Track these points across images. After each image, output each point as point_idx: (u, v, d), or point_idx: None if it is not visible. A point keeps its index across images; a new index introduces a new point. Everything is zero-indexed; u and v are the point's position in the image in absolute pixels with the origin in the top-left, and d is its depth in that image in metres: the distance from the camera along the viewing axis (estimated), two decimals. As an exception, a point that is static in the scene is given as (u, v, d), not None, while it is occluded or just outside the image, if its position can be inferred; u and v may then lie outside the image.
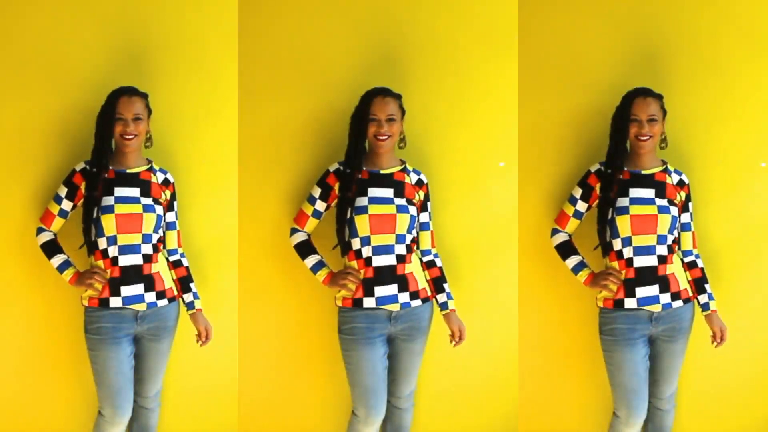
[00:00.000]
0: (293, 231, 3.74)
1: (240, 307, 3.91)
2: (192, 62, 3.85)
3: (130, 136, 3.53)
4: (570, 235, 3.74)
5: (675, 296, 3.62)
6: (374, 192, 3.62)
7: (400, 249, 3.63)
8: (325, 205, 3.68)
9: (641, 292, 3.59)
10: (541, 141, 3.89)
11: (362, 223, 3.58)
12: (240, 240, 3.89)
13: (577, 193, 3.69)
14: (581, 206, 3.69)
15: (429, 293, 3.71)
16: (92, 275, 3.53)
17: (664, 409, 3.78)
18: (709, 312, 3.66)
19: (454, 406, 4.01)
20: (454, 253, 3.94)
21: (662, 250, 3.59)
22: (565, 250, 3.72)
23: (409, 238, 3.65)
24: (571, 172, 3.85)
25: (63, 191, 3.57)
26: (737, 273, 3.90)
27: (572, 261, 3.71)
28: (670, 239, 3.61)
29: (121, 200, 3.54)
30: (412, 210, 3.65)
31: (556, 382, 3.96)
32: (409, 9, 3.90)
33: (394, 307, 3.62)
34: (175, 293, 3.67)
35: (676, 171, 3.65)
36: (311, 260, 3.69)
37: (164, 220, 3.66)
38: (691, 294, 3.66)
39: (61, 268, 3.58)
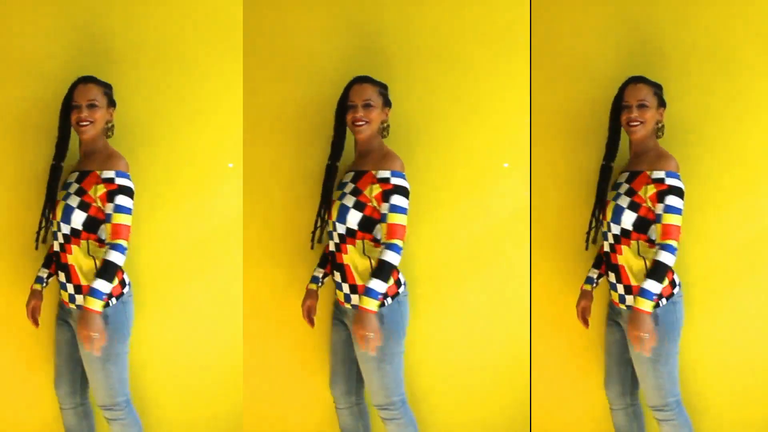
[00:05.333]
0: None
1: (245, 305, 3.93)
2: (194, 62, 3.87)
3: (85, 123, 3.54)
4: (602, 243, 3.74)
5: (627, 290, 3.59)
6: (341, 177, 3.71)
7: (335, 237, 3.62)
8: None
9: (609, 276, 3.65)
10: (554, 139, 3.89)
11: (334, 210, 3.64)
12: (245, 237, 3.91)
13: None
14: None
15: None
16: (27, 313, 3.68)
17: (656, 417, 3.66)
18: (624, 307, 3.58)
19: (466, 407, 4.00)
20: (458, 252, 3.93)
21: (610, 238, 3.60)
22: (596, 259, 3.82)
23: (341, 228, 3.59)
24: (583, 171, 3.86)
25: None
26: (752, 270, 3.86)
27: (590, 272, 3.81)
28: (615, 229, 3.56)
29: (63, 187, 3.61)
30: (348, 200, 3.57)
31: (569, 382, 3.94)
32: (417, 7, 3.89)
33: (339, 295, 3.67)
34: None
35: (669, 173, 3.51)
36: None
37: (85, 213, 3.52)
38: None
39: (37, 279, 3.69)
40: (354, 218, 3.55)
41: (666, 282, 3.53)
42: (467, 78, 3.89)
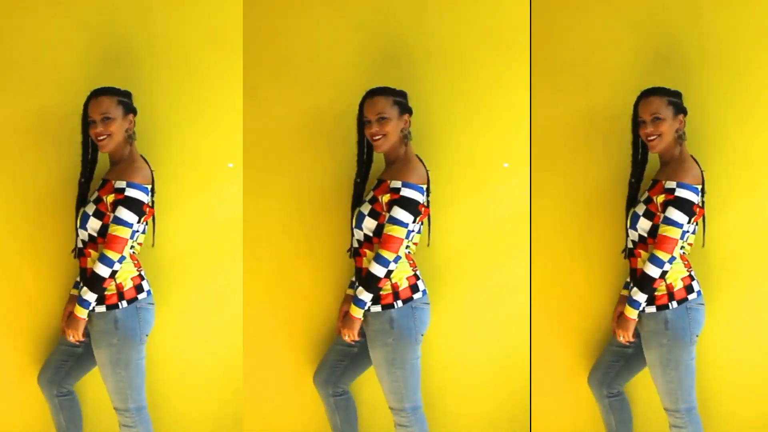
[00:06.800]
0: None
1: (245, 305, 3.92)
2: (194, 62, 3.87)
3: (102, 137, 3.57)
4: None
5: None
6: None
7: (354, 242, 3.67)
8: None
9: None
10: (555, 141, 3.89)
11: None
12: (245, 237, 3.90)
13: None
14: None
15: (392, 299, 3.62)
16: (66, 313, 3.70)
17: (669, 421, 3.65)
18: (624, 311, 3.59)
19: (465, 406, 3.99)
20: (458, 253, 3.93)
21: (629, 243, 3.63)
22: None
23: (358, 234, 3.64)
24: (584, 171, 3.86)
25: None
26: (756, 272, 3.87)
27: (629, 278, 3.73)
28: (633, 235, 3.59)
29: None
30: (365, 208, 3.62)
31: (569, 382, 3.94)
32: (415, 6, 3.89)
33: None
34: (116, 300, 3.57)
35: (681, 184, 3.51)
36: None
37: (98, 220, 3.55)
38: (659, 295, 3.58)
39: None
40: (369, 225, 3.60)
41: (666, 289, 3.56)
42: (467, 78, 3.89)
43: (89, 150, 3.66)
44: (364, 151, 3.73)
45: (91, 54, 3.80)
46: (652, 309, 3.56)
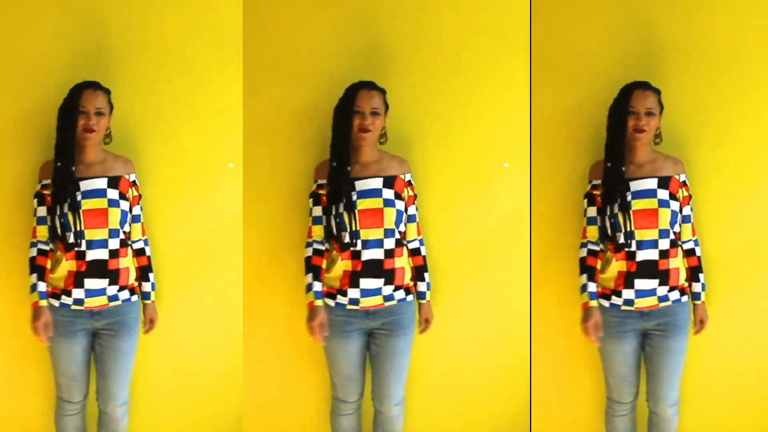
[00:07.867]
0: (306, 245, 3.69)
1: (245, 304, 3.93)
2: (194, 62, 3.87)
3: (92, 131, 3.57)
4: (593, 245, 3.66)
5: (671, 289, 3.61)
6: (361, 185, 3.62)
7: (389, 243, 3.63)
8: (320, 208, 3.67)
9: (639, 284, 3.59)
10: (555, 140, 3.88)
11: (352, 217, 3.60)
12: (245, 237, 3.91)
13: (585, 204, 3.70)
14: (591, 212, 3.67)
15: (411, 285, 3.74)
16: (40, 331, 3.55)
17: (664, 416, 3.68)
18: (699, 302, 3.70)
19: (466, 407, 4.00)
20: (458, 252, 3.94)
21: (663, 244, 3.59)
22: (582, 265, 3.66)
23: (397, 233, 3.65)
24: (583, 171, 3.85)
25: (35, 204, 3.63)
26: (749, 275, 3.87)
27: (582, 278, 3.65)
28: (671, 234, 3.59)
29: (87, 195, 3.57)
30: (400, 205, 3.65)
31: (569, 382, 3.95)
32: (416, 7, 3.90)
33: (370, 301, 3.63)
34: (136, 287, 3.71)
35: (685, 176, 3.67)
36: (307, 279, 3.67)
37: (130, 215, 3.66)
38: (686, 286, 3.67)
39: (32, 287, 3.59)
40: (401, 222, 3.65)
41: None
42: (467, 78, 3.90)
43: (70, 135, 3.55)
44: (350, 139, 3.62)
45: (89, 53, 3.81)
46: (686, 298, 3.67)
